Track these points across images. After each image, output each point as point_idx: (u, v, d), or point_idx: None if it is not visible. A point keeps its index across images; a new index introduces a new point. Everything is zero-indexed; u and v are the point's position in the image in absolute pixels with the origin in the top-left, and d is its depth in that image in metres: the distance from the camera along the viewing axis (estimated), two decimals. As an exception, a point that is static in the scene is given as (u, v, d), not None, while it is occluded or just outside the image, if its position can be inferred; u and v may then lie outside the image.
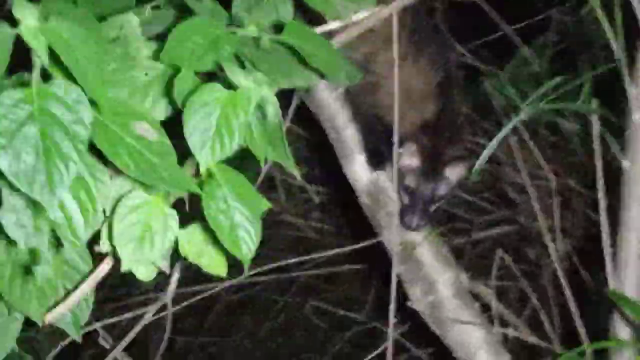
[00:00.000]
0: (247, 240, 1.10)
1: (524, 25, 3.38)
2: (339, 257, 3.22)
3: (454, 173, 2.03)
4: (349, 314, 3.43)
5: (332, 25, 1.42)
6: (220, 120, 1.05)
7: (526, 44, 3.25)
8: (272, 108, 1.17)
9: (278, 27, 1.25)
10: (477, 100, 2.79)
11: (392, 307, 1.67)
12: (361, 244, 2.15)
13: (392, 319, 1.68)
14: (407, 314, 2.08)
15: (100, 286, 1.22)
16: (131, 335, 1.88)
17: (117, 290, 3.47)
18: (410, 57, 1.96)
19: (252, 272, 2.65)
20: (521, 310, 2.64)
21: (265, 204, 1.16)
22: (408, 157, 1.99)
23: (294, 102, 2.08)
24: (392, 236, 2.02)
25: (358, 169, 2.05)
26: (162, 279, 1.31)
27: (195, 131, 1.05)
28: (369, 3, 1.37)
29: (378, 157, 2.03)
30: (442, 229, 3.56)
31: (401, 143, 1.86)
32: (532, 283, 2.64)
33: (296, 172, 1.26)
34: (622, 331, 1.60)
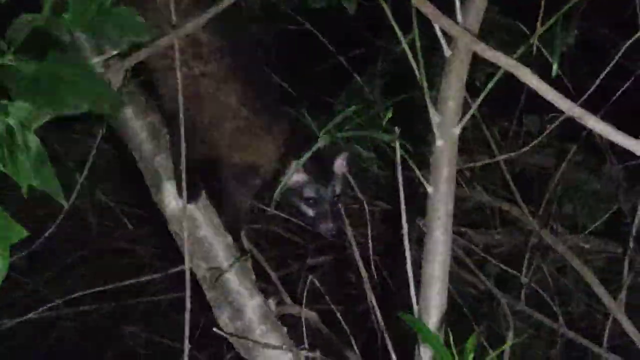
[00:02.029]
0: (-8, 270, 1.09)
1: (358, 55, 3.49)
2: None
3: (338, 167, 2.11)
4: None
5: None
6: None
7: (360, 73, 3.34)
8: (31, 136, 1.19)
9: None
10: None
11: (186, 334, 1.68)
12: (171, 270, 2.15)
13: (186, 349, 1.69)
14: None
15: None
16: None
17: None
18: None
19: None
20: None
21: (21, 232, 1.16)
22: (294, 175, 2.03)
23: (103, 127, 2.07)
24: (199, 262, 2.04)
25: (167, 197, 2.05)
26: None
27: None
28: (145, 35, 1.38)
29: (192, 189, 2.04)
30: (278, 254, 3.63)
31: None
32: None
33: (63, 201, 1.26)
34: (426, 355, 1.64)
